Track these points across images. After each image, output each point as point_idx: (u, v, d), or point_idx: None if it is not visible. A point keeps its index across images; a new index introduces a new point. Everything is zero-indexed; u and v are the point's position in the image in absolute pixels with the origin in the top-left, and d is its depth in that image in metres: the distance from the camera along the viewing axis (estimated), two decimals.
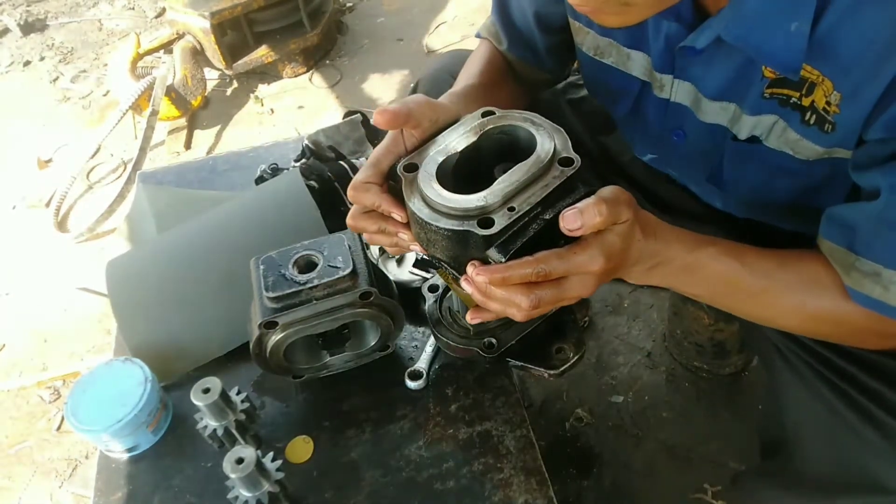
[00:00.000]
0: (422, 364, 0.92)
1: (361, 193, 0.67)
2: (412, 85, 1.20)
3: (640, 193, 1.04)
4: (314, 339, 0.91)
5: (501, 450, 0.84)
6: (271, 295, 0.80)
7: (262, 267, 0.83)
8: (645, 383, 1.50)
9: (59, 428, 1.58)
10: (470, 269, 0.61)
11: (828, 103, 0.66)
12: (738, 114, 0.75)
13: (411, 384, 0.91)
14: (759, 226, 0.93)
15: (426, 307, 0.90)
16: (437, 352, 0.94)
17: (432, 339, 0.93)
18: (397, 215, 0.67)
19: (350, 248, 0.84)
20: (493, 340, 0.84)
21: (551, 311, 0.67)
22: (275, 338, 0.83)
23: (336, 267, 0.82)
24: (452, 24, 2.71)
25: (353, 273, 0.82)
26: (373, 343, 0.91)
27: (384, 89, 2.46)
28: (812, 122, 0.68)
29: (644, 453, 1.39)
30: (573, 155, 0.65)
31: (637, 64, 0.82)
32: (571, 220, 0.58)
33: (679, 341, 1.50)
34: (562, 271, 0.60)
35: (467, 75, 0.92)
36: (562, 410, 1.46)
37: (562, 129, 0.68)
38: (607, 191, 0.60)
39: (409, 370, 0.92)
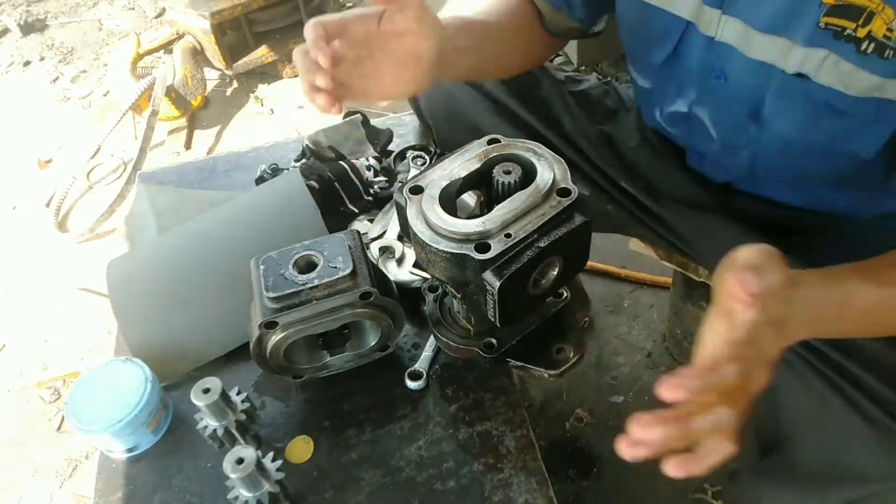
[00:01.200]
0: (422, 364, 0.92)
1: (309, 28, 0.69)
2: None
3: (640, 181, 1.03)
4: (314, 339, 0.91)
5: (501, 450, 0.84)
6: (271, 295, 0.80)
7: (262, 267, 0.83)
8: (645, 383, 1.50)
9: (59, 428, 1.58)
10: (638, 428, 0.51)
11: (889, 29, 0.64)
12: (787, 47, 0.72)
13: (411, 384, 0.91)
14: (757, 215, 0.94)
15: (426, 307, 0.90)
16: (437, 352, 0.94)
17: (432, 339, 0.93)
18: (322, 59, 0.68)
19: (350, 248, 0.84)
20: (494, 341, 0.84)
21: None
22: (275, 338, 0.83)
23: (336, 267, 0.82)
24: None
25: (353, 273, 0.82)
26: (373, 343, 0.91)
27: None
28: (870, 50, 0.67)
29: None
30: (571, 186, 0.69)
31: (683, 2, 0.79)
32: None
33: (679, 341, 1.50)
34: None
35: (485, 12, 0.90)
36: (562, 410, 1.46)
37: (562, 161, 0.72)
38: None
39: (409, 370, 0.92)
